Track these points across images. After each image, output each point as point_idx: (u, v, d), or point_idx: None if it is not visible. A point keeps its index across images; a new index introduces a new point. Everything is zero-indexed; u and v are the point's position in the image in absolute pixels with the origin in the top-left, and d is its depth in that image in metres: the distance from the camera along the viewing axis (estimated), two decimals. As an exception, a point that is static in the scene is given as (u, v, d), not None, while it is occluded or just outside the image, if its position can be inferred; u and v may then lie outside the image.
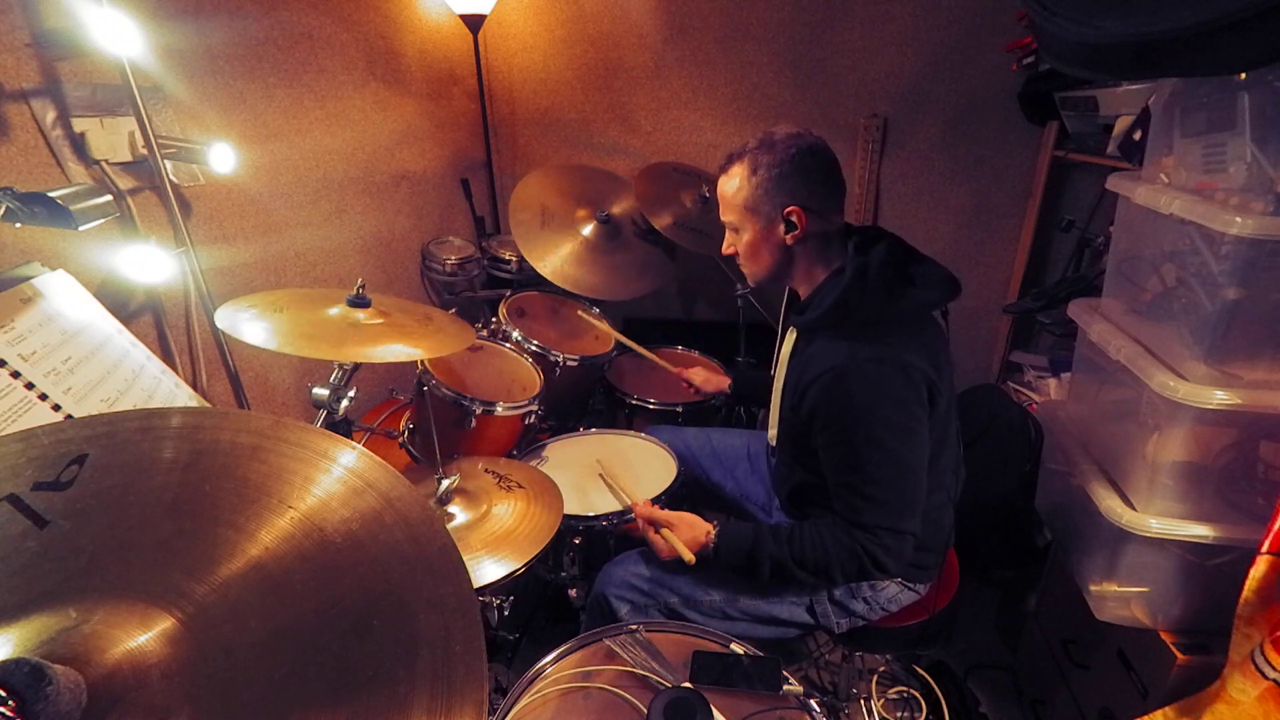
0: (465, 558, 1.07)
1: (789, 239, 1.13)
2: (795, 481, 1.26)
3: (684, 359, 2.16)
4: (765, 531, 1.14)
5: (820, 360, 1.08)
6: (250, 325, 1.07)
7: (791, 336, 1.25)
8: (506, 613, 1.27)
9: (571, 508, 1.33)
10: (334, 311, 1.20)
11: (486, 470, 1.37)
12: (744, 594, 1.20)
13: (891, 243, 1.15)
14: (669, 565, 1.22)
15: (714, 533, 1.17)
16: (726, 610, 1.21)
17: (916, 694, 1.56)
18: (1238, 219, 0.97)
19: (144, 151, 1.31)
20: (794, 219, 1.11)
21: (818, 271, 1.17)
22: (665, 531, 1.19)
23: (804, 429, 1.13)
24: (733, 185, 1.14)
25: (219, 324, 1.08)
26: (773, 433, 1.31)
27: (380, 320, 1.21)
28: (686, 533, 1.18)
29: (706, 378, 1.75)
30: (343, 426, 1.23)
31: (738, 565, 1.16)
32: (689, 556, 1.15)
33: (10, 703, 0.43)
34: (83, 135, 1.24)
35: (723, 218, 1.19)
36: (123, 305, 1.35)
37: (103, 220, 1.10)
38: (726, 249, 1.22)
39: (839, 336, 1.08)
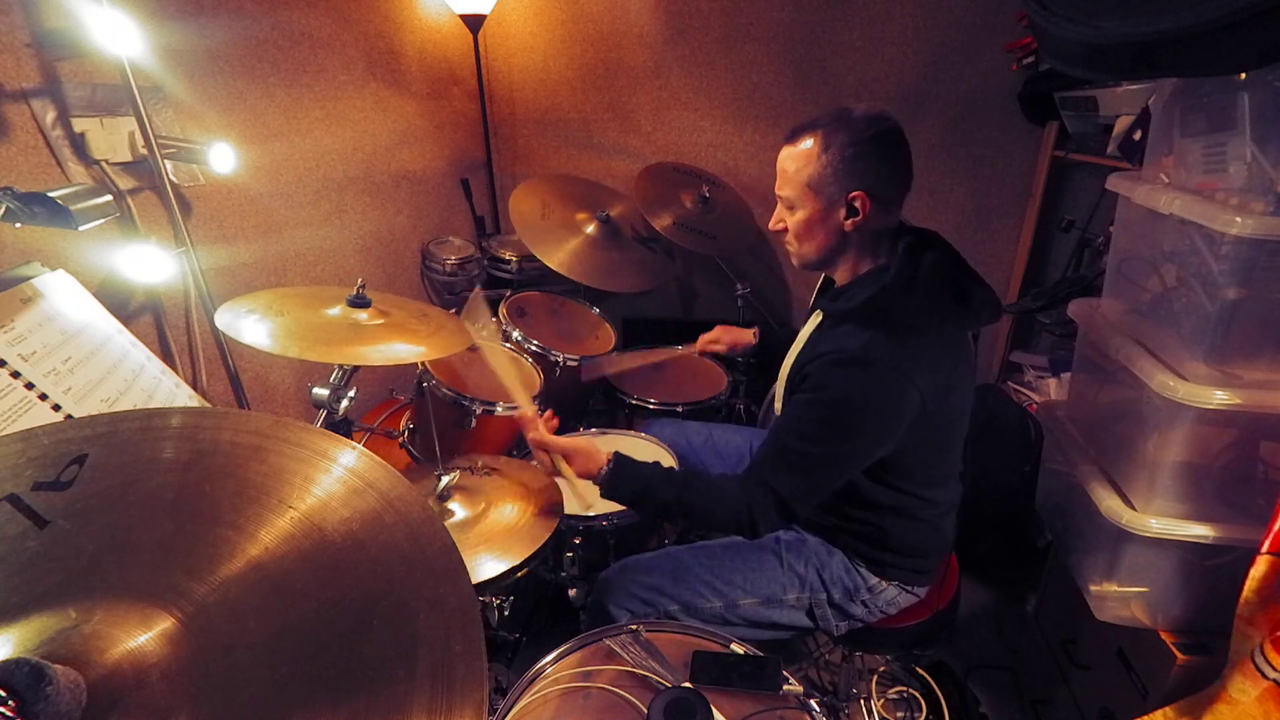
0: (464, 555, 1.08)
1: (848, 224, 1.07)
2: (765, 442, 1.25)
3: (690, 360, 2.16)
4: (660, 473, 1.14)
5: (837, 341, 1.07)
6: (251, 327, 1.08)
7: (816, 319, 1.22)
8: (506, 613, 1.27)
9: (572, 508, 1.33)
10: (334, 312, 1.20)
11: (459, 467, 1.35)
12: (744, 600, 1.20)
13: (948, 253, 1.11)
14: (668, 573, 1.21)
15: (607, 466, 1.15)
16: (727, 616, 1.20)
17: (916, 694, 1.56)
18: (1238, 219, 0.97)
19: (144, 151, 1.31)
20: (857, 204, 1.05)
21: (864, 263, 1.13)
22: (559, 460, 1.17)
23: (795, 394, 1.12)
24: (799, 160, 1.07)
25: (219, 324, 1.08)
26: (779, 405, 1.27)
27: (380, 321, 1.21)
28: (581, 464, 1.16)
29: (734, 338, 1.64)
30: (343, 426, 1.23)
31: (624, 499, 1.15)
32: (572, 478, 1.15)
33: (10, 703, 0.43)
34: (83, 135, 1.24)
35: (779, 191, 1.13)
36: (123, 305, 1.35)
37: (103, 220, 1.10)
38: (774, 224, 1.16)
39: (866, 327, 1.06)
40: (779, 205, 1.15)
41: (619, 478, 1.14)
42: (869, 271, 1.12)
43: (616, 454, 1.16)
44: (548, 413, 1.24)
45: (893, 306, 1.04)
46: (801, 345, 1.22)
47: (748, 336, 1.64)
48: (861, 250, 1.12)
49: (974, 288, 1.09)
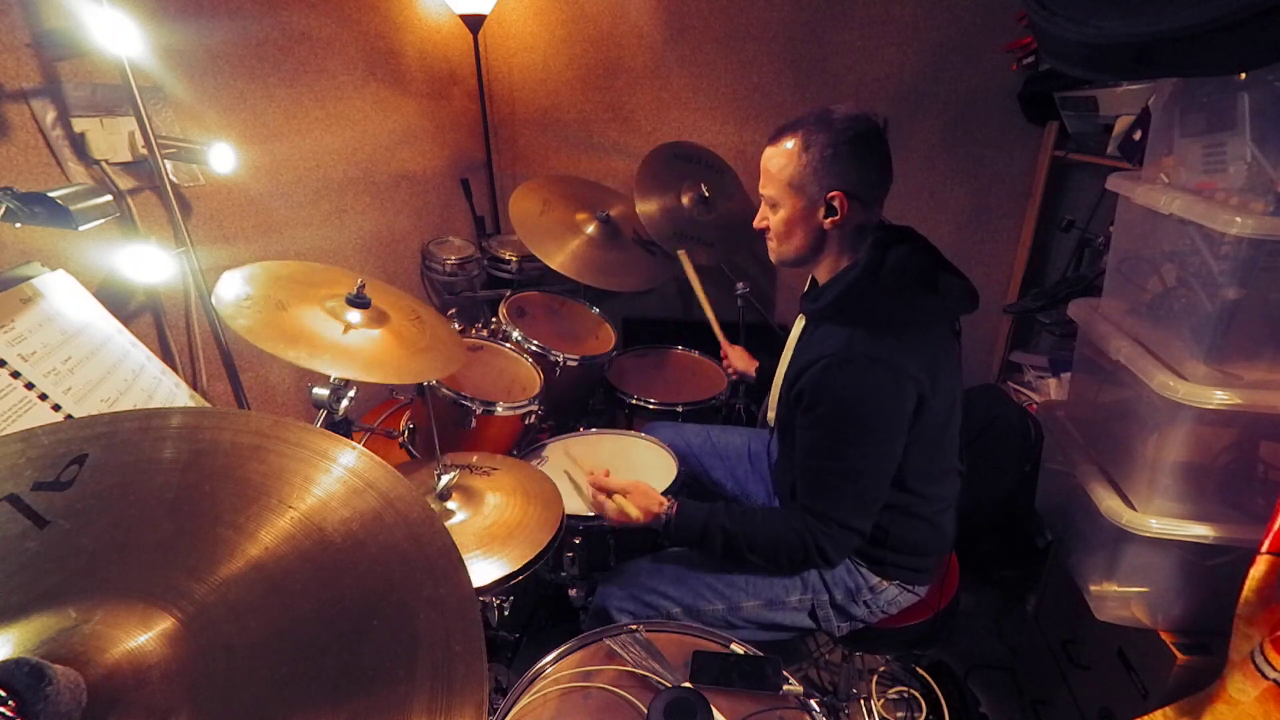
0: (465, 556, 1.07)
1: (827, 223, 1.09)
2: (795, 476, 1.26)
3: (690, 360, 2.17)
4: (720, 509, 1.16)
5: (820, 346, 1.08)
6: (244, 316, 1.08)
7: (801, 322, 1.25)
8: (506, 613, 1.27)
9: (572, 508, 1.33)
10: (330, 315, 1.20)
11: (459, 466, 1.35)
12: (746, 603, 1.20)
13: (918, 246, 1.13)
14: (670, 576, 1.21)
15: (670, 506, 1.18)
16: (730, 619, 1.20)
17: (916, 694, 1.56)
18: (1238, 219, 0.97)
19: (144, 151, 1.31)
20: (836, 204, 1.07)
21: (843, 260, 1.14)
22: (618, 497, 1.20)
23: (794, 412, 1.13)
24: (781, 159, 1.10)
25: (216, 300, 1.08)
26: (771, 414, 1.30)
27: (377, 331, 1.21)
28: (640, 500, 1.20)
29: (743, 367, 1.79)
30: (343, 426, 1.23)
31: (690, 540, 1.18)
32: (636, 513, 1.18)
33: (10, 703, 0.43)
34: (83, 135, 1.24)
35: (761, 190, 1.15)
36: (123, 305, 1.35)
37: (103, 220, 1.10)
38: (758, 223, 1.19)
39: (844, 325, 1.08)
40: (762, 203, 1.17)
41: (682, 514, 1.17)
42: (843, 269, 1.14)
43: (677, 498, 1.21)
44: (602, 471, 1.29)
45: (863, 301, 1.07)
46: (791, 350, 1.24)
47: (751, 371, 1.77)
48: (841, 249, 1.14)
49: (945, 277, 1.10)
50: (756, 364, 1.77)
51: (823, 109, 1.09)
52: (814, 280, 1.24)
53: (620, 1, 2.32)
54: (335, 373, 1.10)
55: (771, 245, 1.19)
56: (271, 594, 0.58)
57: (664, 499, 1.20)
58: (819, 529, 1.08)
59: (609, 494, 1.22)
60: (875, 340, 1.04)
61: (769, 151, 1.13)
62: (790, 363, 1.21)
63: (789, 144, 1.09)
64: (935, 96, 2.17)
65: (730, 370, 1.83)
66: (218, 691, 0.52)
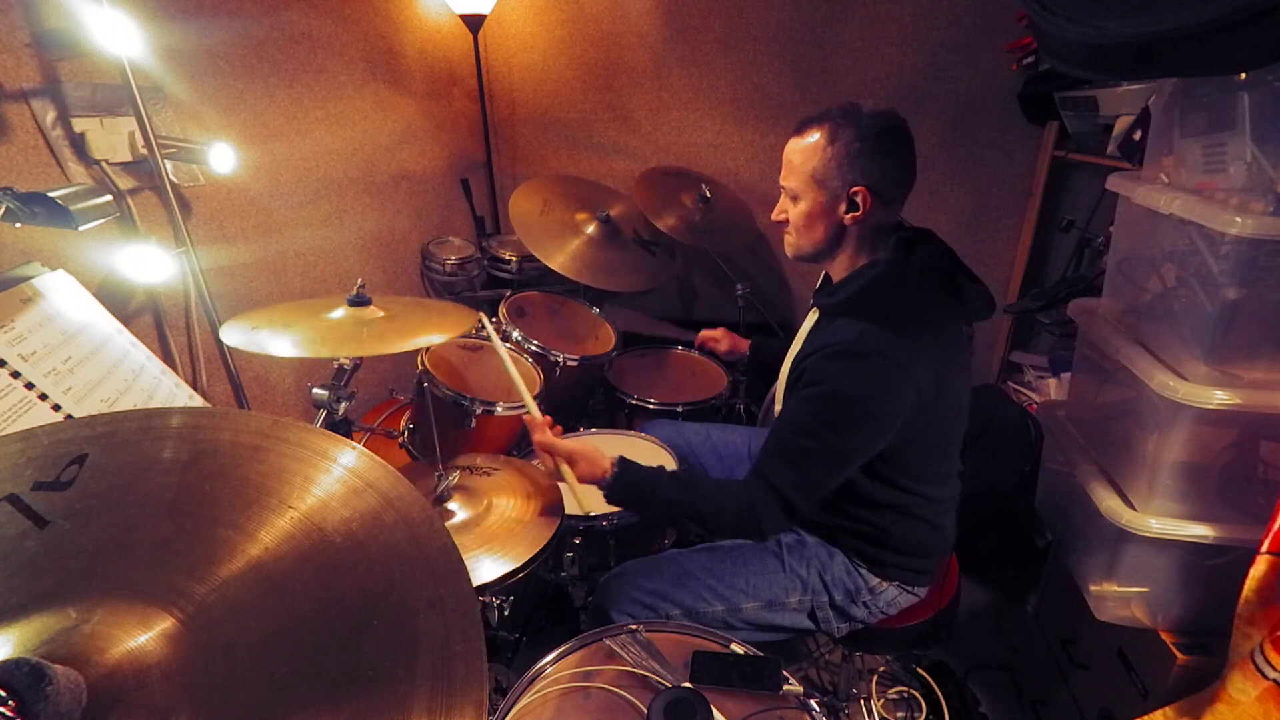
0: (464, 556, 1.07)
1: (848, 219, 1.08)
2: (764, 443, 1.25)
3: (690, 360, 2.17)
4: (665, 476, 1.13)
5: (830, 336, 1.07)
6: (274, 341, 1.08)
7: (813, 316, 1.24)
8: (506, 613, 1.26)
9: (571, 508, 1.33)
10: (339, 313, 1.20)
11: (459, 467, 1.36)
12: (746, 604, 1.20)
13: (941, 249, 1.13)
14: (670, 578, 1.21)
15: (612, 471, 1.13)
16: (729, 620, 1.20)
17: (916, 694, 1.56)
18: (1238, 219, 0.97)
19: (144, 151, 1.31)
20: (859, 199, 1.06)
21: (860, 258, 1.13)
22: (563, 465, 1.16)
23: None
24: (805, 152, 1.09)
25: (239, 344, 1.08)
26: (779, 408, 1.29)
27: (382, 314, 1.22)
28: (585, 469, 1.15)
29: (733, 344, 1.74)
30: (343, 426, 1.23)
31: (629, 504, 1.15)
32: (574, 480, 1.14)
33: (10, 703, 0.43)
34: (83, 135, 1.24)
35: (783, 182, 1.14)
36: (123, 305, 1.35)
37: (103, 220, 1.10)
38: (777, 215, 1.17)
39: (860, 320, 1.07)
40: (783, 195, 1.16)
41: (623, 482, 1.13)
42: (863, 266, 1.13)
43: (620, 458, 1.15)
44: (547, 420, 1.23)
45: (884, 299, 1.06)
46: (800, 343, 1.23)
47: (744, 346, 1.72)
48: (859, 246, 1.13)
49: (966, 283, 1.10)
50: (748, 343, 1.72)
51: (850, 103, 1.08)
52: (827, 276, 1.23)
53: (620, 1, 2.33)
54: (385, 351, 1.12)
55: (789, 239, 1.18)
56: (271, 594, 0.58)
57: (609, 464, 1.14)
58: (764, 497, 1.06)
59: (554, 456, 1.17)
60: (891, 339, 1.03)
61: (793, 144, 1.12)
62: (797, 356, 1.20)
63: (814, 137, 1.08)
64: (935, 96, 2.17)
65: (714, 345, 1.75)
66: (218, 691, 0.52)
